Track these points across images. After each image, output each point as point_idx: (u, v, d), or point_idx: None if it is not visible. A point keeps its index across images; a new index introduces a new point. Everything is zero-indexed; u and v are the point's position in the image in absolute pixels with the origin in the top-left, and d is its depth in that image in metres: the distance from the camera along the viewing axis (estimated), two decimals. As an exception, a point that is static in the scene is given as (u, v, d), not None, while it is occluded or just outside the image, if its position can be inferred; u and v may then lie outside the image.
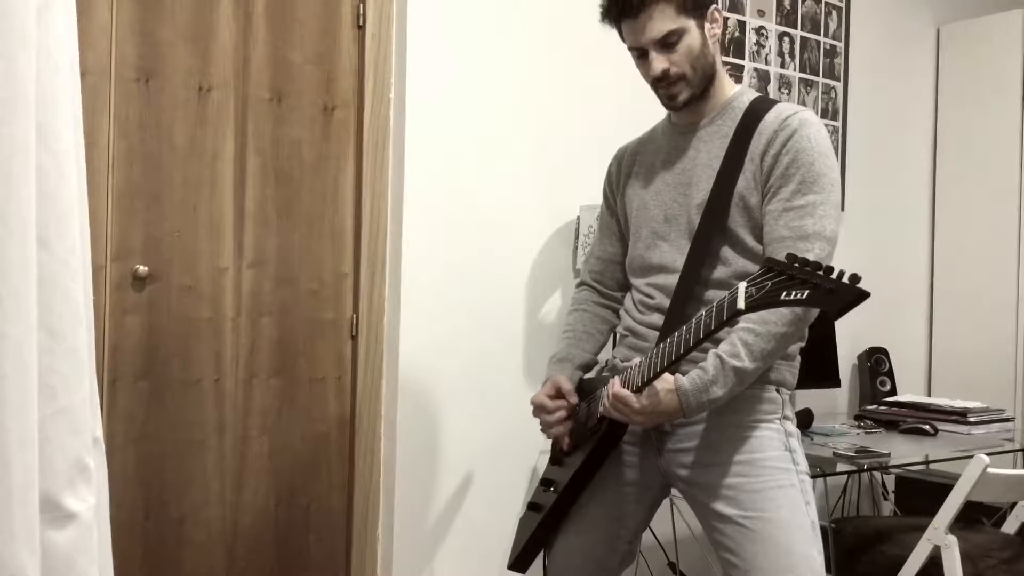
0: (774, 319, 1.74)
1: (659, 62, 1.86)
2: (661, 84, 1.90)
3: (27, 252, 1.33)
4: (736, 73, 3.26)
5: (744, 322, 1.76)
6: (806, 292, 1.44)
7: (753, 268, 1.81)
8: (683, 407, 1.76)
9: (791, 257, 1.50)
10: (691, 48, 1.86)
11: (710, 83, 1.92)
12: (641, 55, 1.90)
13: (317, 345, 2.65)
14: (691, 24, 1.86)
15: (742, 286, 1.55)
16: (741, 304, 1.54)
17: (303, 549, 2.65)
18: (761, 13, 3.34)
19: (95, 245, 2.14)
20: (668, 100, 1.92)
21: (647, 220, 1.97)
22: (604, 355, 2.13)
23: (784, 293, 1.47)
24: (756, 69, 3.33)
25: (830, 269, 1.44)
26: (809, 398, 3.23)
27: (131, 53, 2.37)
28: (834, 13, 3.57)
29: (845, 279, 1.42)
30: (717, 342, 1.78)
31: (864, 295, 1.41)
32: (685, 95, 1.90)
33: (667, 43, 1.85)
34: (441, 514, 2.73)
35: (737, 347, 1.75)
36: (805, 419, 2.97)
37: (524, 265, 2.86)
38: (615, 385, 1.81)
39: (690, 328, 1.67)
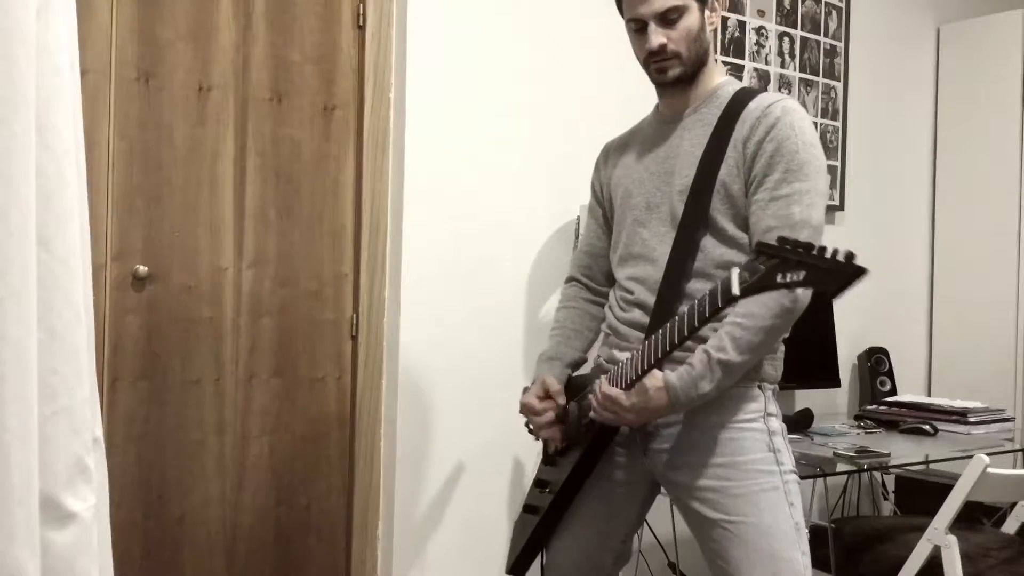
0: (761, 312, 1.73)
1: (657, 36, 1.86)
2: (654, 59, 1.89)
3: (27, 252, 1.33)
4: (736, 73, 3.26)
5: (731, 316, 1.75)
6: (803, 273, 1.42)
7: (733, 257, 1.80)
8: (672, 403, 1.75)
9: (782, 240, 1.48)
10: (690, 28, 1.87)
11: (700, 69, 1.92)
12: (639, 28, 1.89)
13: (317, 345, 2.65)
14: (694, 5, 1.87)
15: (735, 271, 1.53)
16: (736, 289, 1.52)
17: (303, 549, 2.65)
18: (761, 13, 3.34)
19: (95, 245, 2.14)
20: (658, 74, 1.91)
21: (630, 208, 1.97)
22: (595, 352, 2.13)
23: (779, 275, 1.45)
24: (756, 69, 3.33)
25: (823, 248, 1.42)
26: (809, 398, 3.23)
27: (131, 53, 2.37)
28: (834, 13, 3.57)
29: (840, 257, 1.40)
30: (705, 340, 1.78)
31: (862, 271, 1.39)
32: (676, 71, 1.89)
33: (668, 18, 1.86)
34: (441, 514, 2.73)
35: (723, 341, 1.74)
36: (805, 419, 2.97)
37: (524, 265, 2.86)
38: (603, 385, 1.81)
39: (683, 318, 1.66)
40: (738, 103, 1.87)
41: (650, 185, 1.94)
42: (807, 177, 1.78)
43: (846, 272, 1.39)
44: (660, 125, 1.99)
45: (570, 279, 2.18)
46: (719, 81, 1.95)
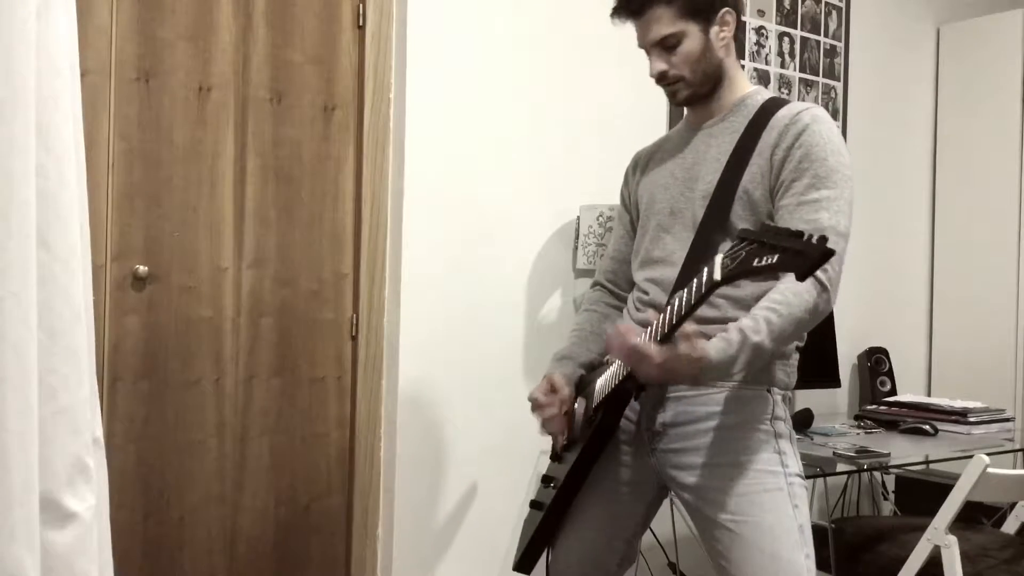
0: (797, 303, 1.72)
1: (657, 63, 1.90)
2: (661, 83, 1.94)
3: (27, 252, 1.33)
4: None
5: (768, 302, 1.73)
6: (776, 256, 1.44)
7: None
8: (702, 374, 1.69)
9: (764, 226, 1.50)
10: (690, 52, 1.88)
11: (717, 84, 1.93)
12: (648, 53, 1.94)
13: (317, 345, 2.65)
14: (692, 28, 1.87)
15: (718, 258, 1.54)
16: (717, 275, 1.52)
17: (303, 549, 2.65)
18: (761, 13, 3.34)
19: (95, 245, 2.14)
20: (671, 97, 1.96)
21: (654, 214, 1.98)
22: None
23: (756, 260, 1.46)
24: (756, 69, 3.33)
25: (800, 233, 1.43)
26: (809, 398, 3.23)
27: (131, 53, 2.37)
28: (834, 13, 3.57)
29: (813, 240, 1.41)
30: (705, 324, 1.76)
31: (829, 253, 1.40)
32: (684, 94, 1.93)
33: (666, 45, 1.89)
34: (441, 514, 2.73)
35: (760, 323, 1.70)
36: (805, 419, 2.96)
37: (524, 265, 2.86)
38: (631, 337, 1.71)
39: (673, 306, 1.65)
40: (766, 112, 1.88)
41: (675, 191, 1.95)
42: (835, 184, 1.79)
43: (814, 253, 1.40)
44: (688, 133, 2.01)
45: (595, 283, 2.19)
46: (748, 90, 1.96)
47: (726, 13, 1.90)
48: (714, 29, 1.89)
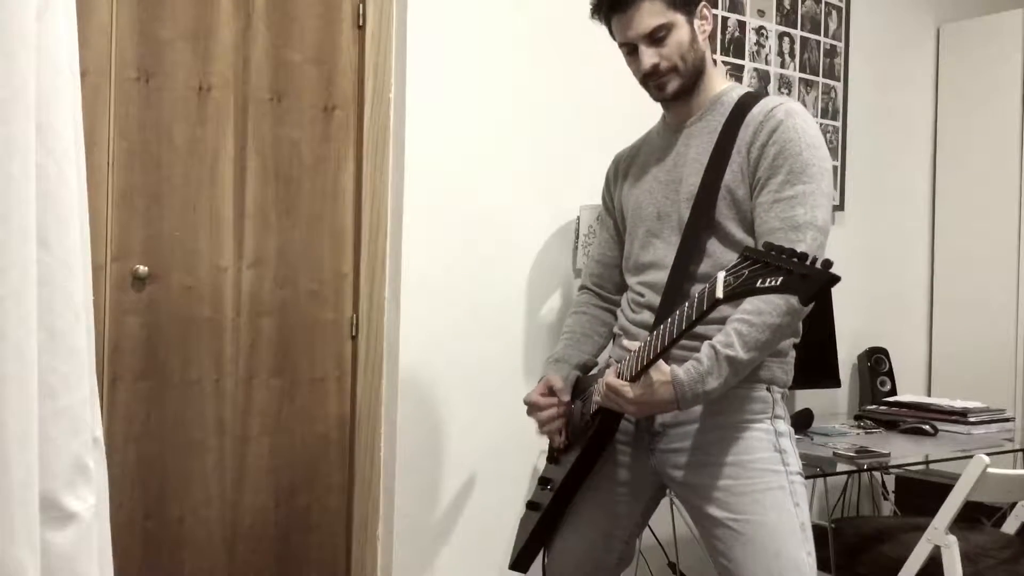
0: (768, 309, 1.74)
1: (649, 56, 1.89)
2: (651, 78, 1.92)
3: (27, 252, 1.33)
4: (736, 73, 3.26)
5: (739, 313, 1.76)
6: (780, 278, 1.45)
7: None
8: (678, 399, 1.76)
9: (768, 245, 1.50)
10: (680, 42, 1.89)
11: (700, 78, 1.93)
12: (631, 51, 1.92)
13: (317, 345, 2.65)
14: (680, 18, 1.88)
15: (721, 275, 1.55)
16: (719, 293, 1.54)
17: (303, 549, 2.65)
18: (761, 13, 3.34)
19: (95, 245, 2.14)
20: (657, 91, 1.94)
21: (642, 219, 1.98)
22: (604, 357, 2.13)
23: (760, 280, 1.47)
24: (756, 69, 3.33)
25: (804, 256, 1.44)
26: (809, 398, 3.24)
27: (131, 53, 2.37)
28: (834, 13, 3.57)
29: (818, 264, 1.43)
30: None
31: (835, 279, 1.42)
32: (675, 85, 1.91)
33: (656, 37, 1.88)
34: (441, 514, 2.73)
35: (731, 337, 1.74)
36: (805, 419, 2.96)
37: (524, 265, 2.86)
38: (608, 376, 1.82)
39: (674, 320, 1.67)
40: (742, 108, 1.89)
41: (659, 195, 1.96)
42: (811, 179, 1.79)
43: (820, 278, 1.41)
44: (667, 134, 2.01)
45: (582, 287, 2.21)
46: (723, 87, 1.96)
47: (703, 7, 1.93)
48: (696, 21, 1.91)
